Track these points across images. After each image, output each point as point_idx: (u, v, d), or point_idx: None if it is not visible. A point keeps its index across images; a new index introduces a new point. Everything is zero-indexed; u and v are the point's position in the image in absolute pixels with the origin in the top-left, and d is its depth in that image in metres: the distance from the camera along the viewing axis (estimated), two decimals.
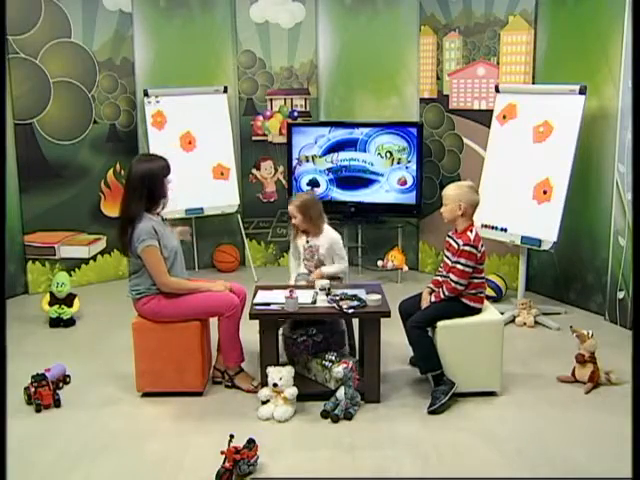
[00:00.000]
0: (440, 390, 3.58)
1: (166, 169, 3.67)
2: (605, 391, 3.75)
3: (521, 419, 3.48)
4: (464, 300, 3.69)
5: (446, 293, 3.67)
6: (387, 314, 3.59)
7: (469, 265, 3.61)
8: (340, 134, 5.95)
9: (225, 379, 3.85)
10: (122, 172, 5.97)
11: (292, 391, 3.46)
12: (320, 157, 6.02)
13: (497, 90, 5.13)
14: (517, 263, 5.09)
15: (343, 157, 5.97)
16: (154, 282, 3.63)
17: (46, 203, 5.59)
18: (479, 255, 3.64)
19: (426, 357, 3.65)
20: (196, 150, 5.86)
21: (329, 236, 4.27)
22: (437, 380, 3.62)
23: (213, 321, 3.81)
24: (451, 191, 3.71)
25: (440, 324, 3.63)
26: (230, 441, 2.93)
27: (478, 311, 3.73)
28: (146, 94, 5.82)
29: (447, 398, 3.55)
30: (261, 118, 6.28)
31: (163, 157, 3.73)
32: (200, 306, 3.68)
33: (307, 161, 6.06)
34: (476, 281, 3.68)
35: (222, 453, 2.91)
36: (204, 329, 3.77)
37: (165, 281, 3.61)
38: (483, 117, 5.43)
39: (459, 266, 3.62)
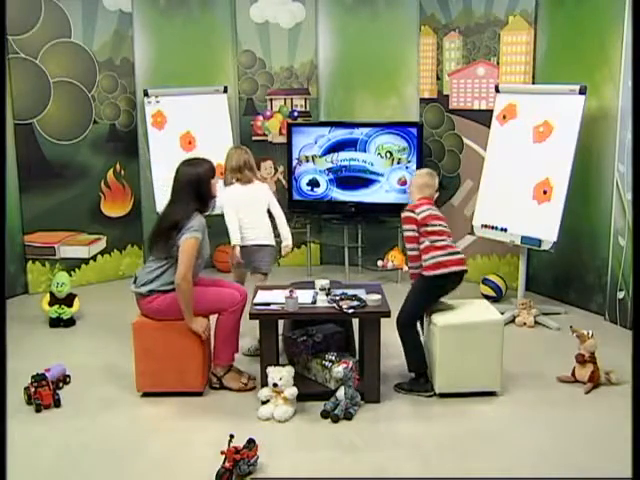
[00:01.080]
0: (417, 383, 3.73)
1: (212, 171, 3.74)
2: (605, 391, 3.75)
3: (521, 419, 3.48)
4: (424, 273, 3.72)
5: (408, 264, 3.82)
6: (387, 314, 3.59)
7: (410, 229, 3.73)
8: (340, 134, 5.95)
9: (213, 381, 3.82)
10: (122, 172, 5.98)
11: (292, 391, 3.46)
12: (320, 157, 6.02)
13: (497, 90, 5.13)
14: (517, 263, 5.09)
15: (343, 157, 5.97)
16: (171, 281, 3.60)
17: (46, 203, 5.59)
18: (418, 218, 3.71)
19: (412, 357, 3.76)
20: (196, 150, 5.83)
21: None
22: (419, 376, 3.76)
23: (213, 322, 3.80)
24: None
25: (440, 324, 3.63)
26: (230, 441, 2.93)
27: (444, 280, 3.71)
28: (146, 94, 5.82)
29: (414, 393, 3.71)
30: (261, 118, 6.28)
31: (207, 159, 3.79)
32: (205, 302, 3.69)
33: (307, 161, 6.06)
34: (427, 244, 3.70)
35: (222, 453, 2.91)
36: None
37: (188, 277, 3.55)
38: (483, 117, 5.43)
39: (404, 234, 3.79)
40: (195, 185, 3.66)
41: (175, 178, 3.71)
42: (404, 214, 3.77)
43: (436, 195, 3.92)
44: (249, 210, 4.39)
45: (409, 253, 3.77)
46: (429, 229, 3.71)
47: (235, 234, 4.33)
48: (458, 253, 3.78)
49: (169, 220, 3.63)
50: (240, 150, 4.52)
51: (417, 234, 3.72)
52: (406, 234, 3.76)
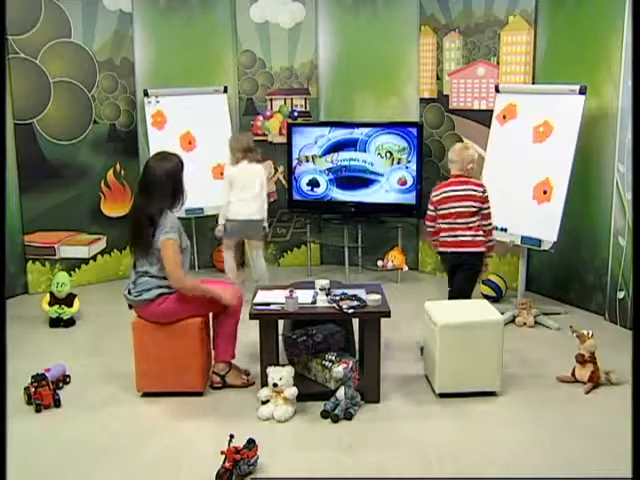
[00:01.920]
0: None
1: (182, 165, 3.72)
2: (605, 391, 3.75)
3: (521, 419, 3.48)
4: (439, 249, 4.36)
5: (429, 237, 4.50)
6: (387, 314, 3.59)
7: (429, 209, 4.39)
8: (340, 134, 5.95)
9: (216, 381, 3.82)
10: (122, 172, 5.98)
11: (292, 391, 3.46)
12: (320, 157, 6.03)
13: (497, 90, 5.13)
14: (517, 263, 5.09)
15: (343, 157, 5.97)
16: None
17: (46, 203, 5.59)
18: (433, 200, 4.33)
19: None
20: (196, 150, 5.86)
21: None
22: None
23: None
24: None
25: (440, 324, 3.63)
26: (230, 441, 2.93)
27: (444, 256, 4.34)
28: (146, 94, 5.82)
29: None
30: (261, 118, 6.28)
31: (175, 153, 3.76)
32: (213, 299, 3.68)
33: (307, 161, 6.06)
34: (440, 226, 4.31)
35: (222, 453, 2.91)
36: (204, 329, 3.77)
37: (181, 276, 3.56)
38: (483, 117, 5.43)
39: None
40: (170, 179, 3.61)
41: (148, 173, 3.63)
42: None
43: (469, 166, 4.28)
44: (248, 186, 5.09)
45: (427, 229, 4.47)
46: (439, 212, 4.31)
47: (223, 213, 5.15)
48: (455, 236, 4.23)
49: (145, 215, 3.57)
50: (247, 134, 5.47)
51: (434, 213, 4.33)
52: (427, 212, 4.43)
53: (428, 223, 4.39)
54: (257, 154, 5.22)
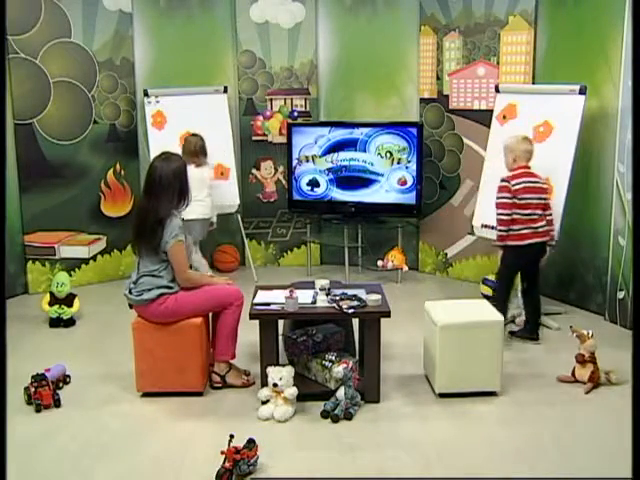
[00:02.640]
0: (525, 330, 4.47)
1: (185, 165, 3.79)
2: (605, 391, 3.75)
3: (521, 419, 3.48)
4: (509, 242, 4.24)
5: (498, 228, 4.29)
6: (387, 314, 3.59)
7: (505, 197, 4.21)
8: (340, 134, 5.95)
9: (216, 380, 3.82)
10: (122, 172, 5.98)
11: (292, 391, 3.46)
12: (320, 157, 6.02)
13: (497, 90, 5.13)
14: None
15: (343, 157, 5.97)
16: (173, 279, 3.65)
17: (46, 203, 5.59)
18: (512, 188, 4.20)
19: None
20: None
21: None
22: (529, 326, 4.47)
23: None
24: (505, 142, 4.40)
25: (440, 324, 3.62)
26: (230, 441, 2.93)
27: (522, 250, 4.25)
28: (146, 94, 5.82)
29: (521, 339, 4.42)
30: (261, 118, 6.28)
31: (178, 154, 3.84)
32: (213, 298, 3.72)
33: (307, 161, 6.06)
34: (516, 217, 4.22)
35: (222, 453, 2.91)
36: (204, 328, 3.77)
37: (189, 276, 3.72)
38: (483, 117, 5.43)
39: (496, 200, 4.26)
40: (177, 180, 3.66)
41: (154, 173, 3.65)
42: (501, 184, 4.26)
43: (526, 156, 4.33)
44: (200, 187, 5.14)
45: (501, 217, 4.25)
46: (517, 202, 4.21)
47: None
48: (536, 228, 4.25)
49: (154, 216, 3.60)
50: (196, 137, 5.32)
51: (510, 201, 4.21)
52: (499, 200, 4.24)
53: (505, 211, 4.22)
54: (204, 159, 5.30)
